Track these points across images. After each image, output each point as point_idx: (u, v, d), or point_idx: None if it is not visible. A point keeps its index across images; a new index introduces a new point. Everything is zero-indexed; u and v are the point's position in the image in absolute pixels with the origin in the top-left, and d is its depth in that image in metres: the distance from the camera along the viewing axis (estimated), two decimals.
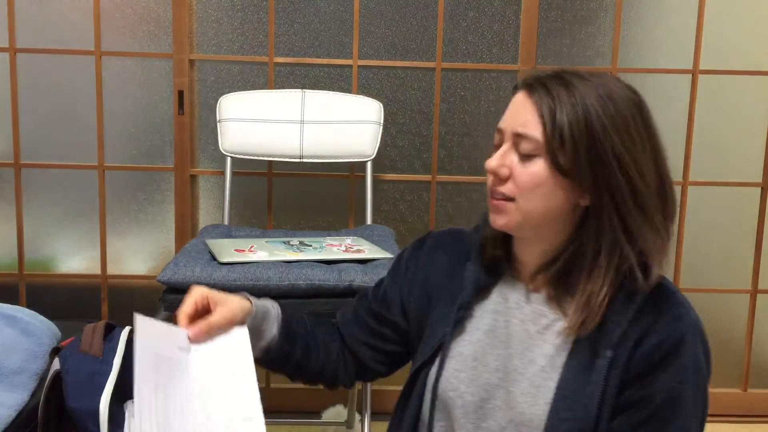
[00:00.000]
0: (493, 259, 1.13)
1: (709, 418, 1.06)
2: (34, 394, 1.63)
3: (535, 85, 1.03)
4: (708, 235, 2.52)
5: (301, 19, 2.34)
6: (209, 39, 2.34)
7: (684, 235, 2.48)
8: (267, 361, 1.17)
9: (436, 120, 2.39)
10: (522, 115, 1.03)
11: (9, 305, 1.80)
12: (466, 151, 2.42)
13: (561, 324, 1.06)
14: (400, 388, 1.21)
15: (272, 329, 1.15)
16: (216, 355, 1.03)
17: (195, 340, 1.03)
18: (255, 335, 1.12)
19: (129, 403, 1.15)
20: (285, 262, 1.70)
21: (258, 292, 1.54)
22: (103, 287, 2.43)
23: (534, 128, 1.01)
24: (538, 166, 1.01)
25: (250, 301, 1.12)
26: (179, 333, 1.02)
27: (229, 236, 2.01)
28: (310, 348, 1.19)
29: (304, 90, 2.22)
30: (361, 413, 1.99)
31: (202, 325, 1.03)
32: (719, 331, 2.52)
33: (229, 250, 1.74)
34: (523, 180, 1.02)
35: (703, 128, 2.43)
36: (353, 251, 1.81)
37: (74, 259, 2.43)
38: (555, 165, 1.00)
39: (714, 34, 2.39)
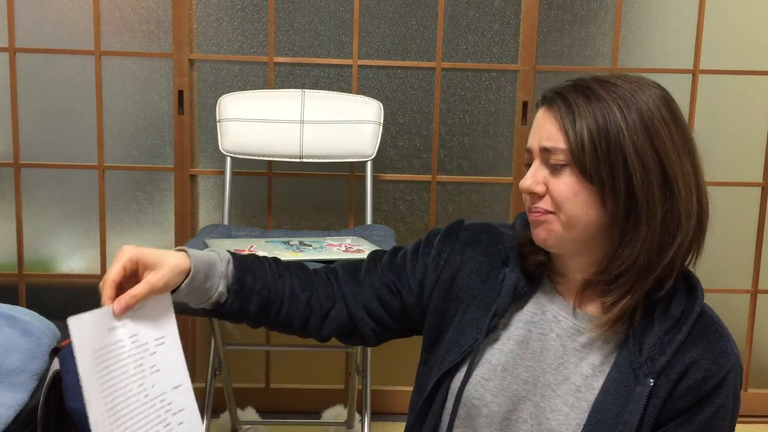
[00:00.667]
0: (536, 264, 1.10)
1: None
2: (34, 394, 1.63)
3: (554, 98, 1.02)
4: (708, 235, 2.50)
5: (301, 19, 2.34)
6: (209, 39, 2.34)
7: None
8: (220, 315, 1.11)
9: (436, 120, 2.39)
10: (545, 129, 1.02)
11: (9, 305, 1.80)
12: (466, 151, 2.42)
13: (600, 343, 1.05)
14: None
15: (219, 286, 1.07)
16: (142, 326, 0.98)
17: (119, 315, 0.97)
18: (200, 294, 1.06)
19: None
20: None
21: None
22: None
23: (558, 140, 1.00)
24: (569, 176, 1.00)
25: (190, 259, 1.03)
26: (105, 313, 0.97)
27: (229, 236, 2.00)
28: (269, 302, 1.13)
29: (304, 90, 2.22)
30: (361, 413, 1.99)
31: (126, 298, 0.96)
32: None
33: None
34: (558, 191, 1.01)
35: (703, 128, 2.43)
36: (353, 251, 1.81)
37: (74, 259, 2.43)
38: (582, 173, 0.99)
39: (714, 34, 2.39)
